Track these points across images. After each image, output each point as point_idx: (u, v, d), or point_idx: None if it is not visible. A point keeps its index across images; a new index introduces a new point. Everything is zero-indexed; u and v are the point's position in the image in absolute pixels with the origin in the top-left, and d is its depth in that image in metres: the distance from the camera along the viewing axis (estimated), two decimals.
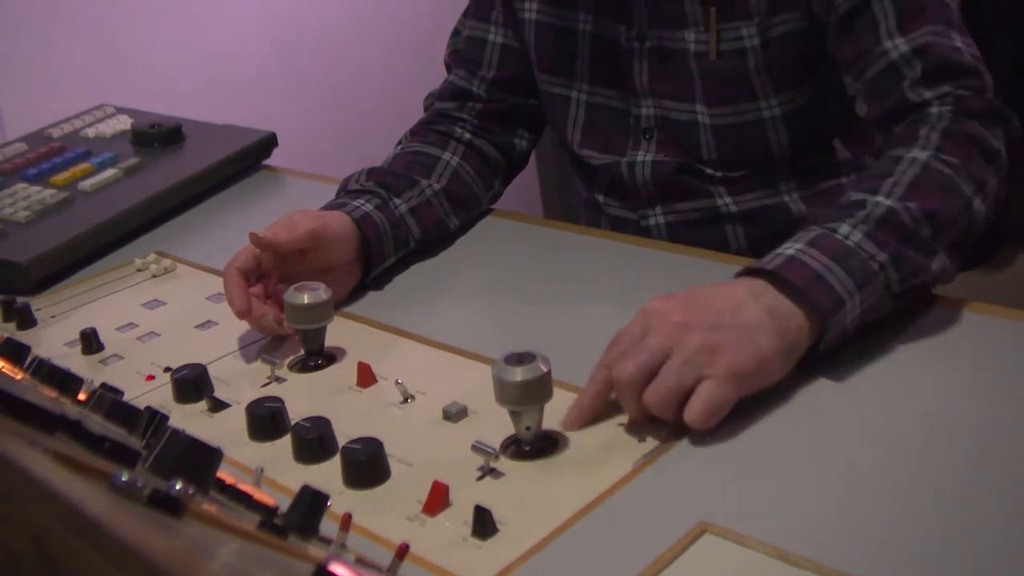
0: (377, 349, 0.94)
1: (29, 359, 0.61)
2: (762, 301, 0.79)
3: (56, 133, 1.49)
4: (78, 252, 1.20)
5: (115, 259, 1.21)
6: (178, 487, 0.42)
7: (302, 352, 0.93)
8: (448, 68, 1.27)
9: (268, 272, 1.00)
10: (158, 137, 1.44)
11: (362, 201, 1.07)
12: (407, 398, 0.85)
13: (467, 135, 1.20)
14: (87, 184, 1.31)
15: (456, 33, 1.27)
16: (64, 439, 0.41)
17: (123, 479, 0.36)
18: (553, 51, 1.17)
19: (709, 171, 1.13)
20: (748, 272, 0.83)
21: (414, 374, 0.88)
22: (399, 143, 1.22)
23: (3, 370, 0.53)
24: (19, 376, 0.54)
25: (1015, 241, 1.42)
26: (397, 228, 1.07)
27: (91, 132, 1.48)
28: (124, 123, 1.51)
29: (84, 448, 0.41)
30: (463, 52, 1.24)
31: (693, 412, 0.74)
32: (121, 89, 1.78)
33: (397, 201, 1.09)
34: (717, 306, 0.79)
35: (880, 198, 0.86)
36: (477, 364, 0.89)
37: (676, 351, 0.76)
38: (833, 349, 0.81)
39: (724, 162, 1.12)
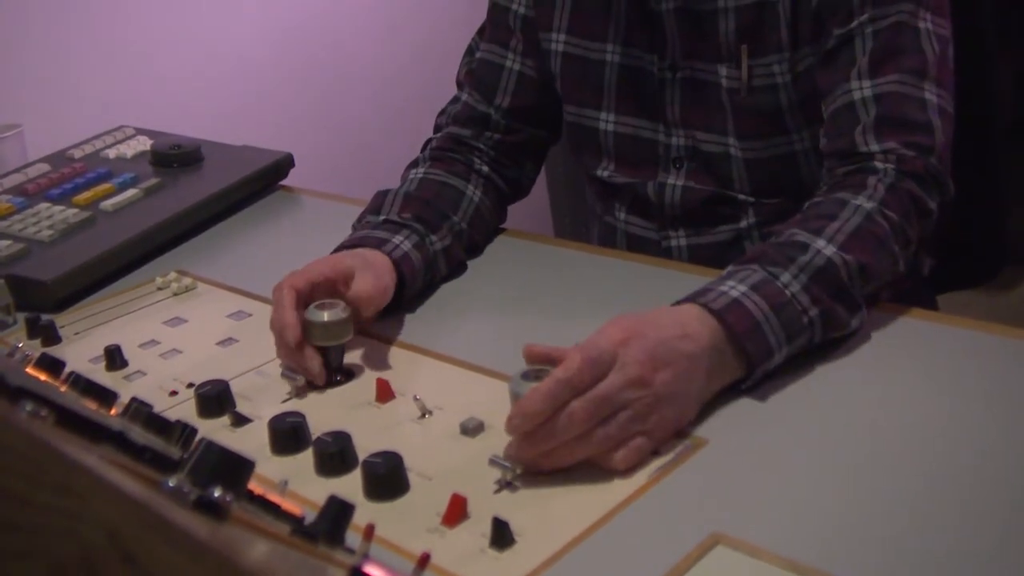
0: (395, 366, 0.96)
1: (66, 373, 0.63)
2: (714, 351, 0.83)
3: (78, 154, 1.52)
4: (101, 271, 1.23)
5: (136, 277, 1.24)
6: (217, 493, 0.45)
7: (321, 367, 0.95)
8: (460, 86, 1.28)
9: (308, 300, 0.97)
10: (177, 158, 1.47)
11: (401, 238, 1.07)
12: (425, 413, 0.87)
13: (485, 168, 1.22)
14: (109, 204, 1.34)
15: (470, 52, 1.28)
16: (109, 448, 0.43)
17: (171, 485, 0.38)
18: (580, 82, 1.19)
19: (741, 197, 1.15)
20: (696, 301, 0.85)
21: (431, 390, 0.90)
22: (417, 164, 1.23)
23: (48, 383, 0.56)
24: (62, 388, 0.56)
25: (1018, 261, 1.43)
26: (429, 268, 1.09)
27: (112, 153, 1.51)
28: (144, 144, 1.53)
29: (128, 457, 0.43)
30: (478, 75, 1.25)
31: (619, 463, 0.77)
32: (140, 110, 1.81)
33: (433, 239, 1.10)
34: (681, 362, 0.80)
35: (821, 243, 0.90)
36: (492, 380, 0.91)
37: (632, 406, 0.77)
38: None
39: (756, 192, 1.14)
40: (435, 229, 1.11)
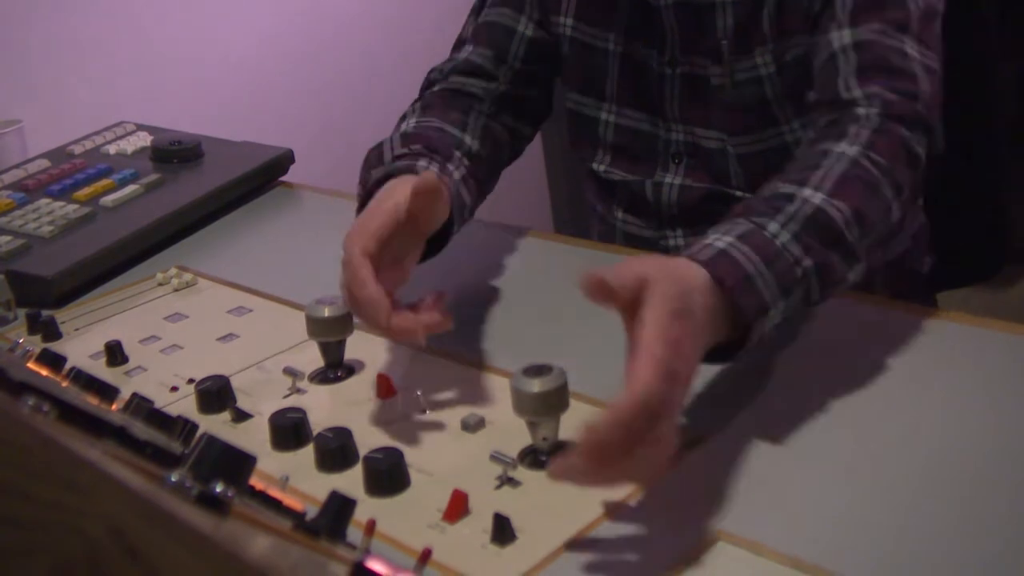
0: (395, 361, 0.96)
1: (67, 368, 0.63)
2: (709, 312, 0.75)
3: (78, 150, 1.52)
4: (101, 266, 1.23)
5: (137, 273, 1.24)
6: (219, 489, 0.45)
7: (323, 364, 0.95)
8: (462, 44, 1.21)
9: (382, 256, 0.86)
10: (178, 154, 1.46)
11: (425, 163, 0.97)
12: (426, 409, 0.87)
13: (483, 118, 1.15)
14: (109, 200, 1.34)
15: (476, 12, 1.23)
16: (111, 444, 0.43)
17: (173, 480, 0.38)
18: (583, 70, 1.18)
19: (739, 194, 1.12)
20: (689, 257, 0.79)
21: (432, 386, 0.90)
22: (409, 115, 1.14)
23: (50, 378, 0.56)
24: (64, 384, 0.56)
25: (1018, 259, 1.43)
26: (459, 196, 1.00)
27: (112, 149, 1.51)
28: (144, 140, 1.53)
29: (130, 452, 0.43)
30: (488, 32, 1.19)
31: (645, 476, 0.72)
32: (140, 105, 1.81)
33: (450, 167, 1.01)
34: (694, 358, 0.73)
35: (808, 192, 0.85)
36: (493, 376, 0.91)
37: (661, 428, 0.69)
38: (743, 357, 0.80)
39: (753, 187, 1.12)
40: (448, 159, 1.02)
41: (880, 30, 0.98)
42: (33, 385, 0.39)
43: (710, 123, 1.13)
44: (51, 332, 1.08)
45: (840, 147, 0.90)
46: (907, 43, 0.97)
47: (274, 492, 0.58)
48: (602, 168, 1.22)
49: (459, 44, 1.22)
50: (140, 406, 0.58)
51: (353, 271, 0.84)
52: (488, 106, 1.16)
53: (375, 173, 0.99)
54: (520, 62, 1.18)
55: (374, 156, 1.05)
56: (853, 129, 0.93)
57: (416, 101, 1.18)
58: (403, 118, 1.15)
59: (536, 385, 0.75)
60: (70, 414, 0.40)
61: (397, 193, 0.89)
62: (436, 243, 0.97)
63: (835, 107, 0.97)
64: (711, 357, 0.78)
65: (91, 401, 0.55)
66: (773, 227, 0.82)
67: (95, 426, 0.42)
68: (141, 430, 0.48)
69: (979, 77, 1.26)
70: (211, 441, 0.52)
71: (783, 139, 1.11)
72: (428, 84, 1.21)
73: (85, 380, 0.60)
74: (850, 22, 0.99)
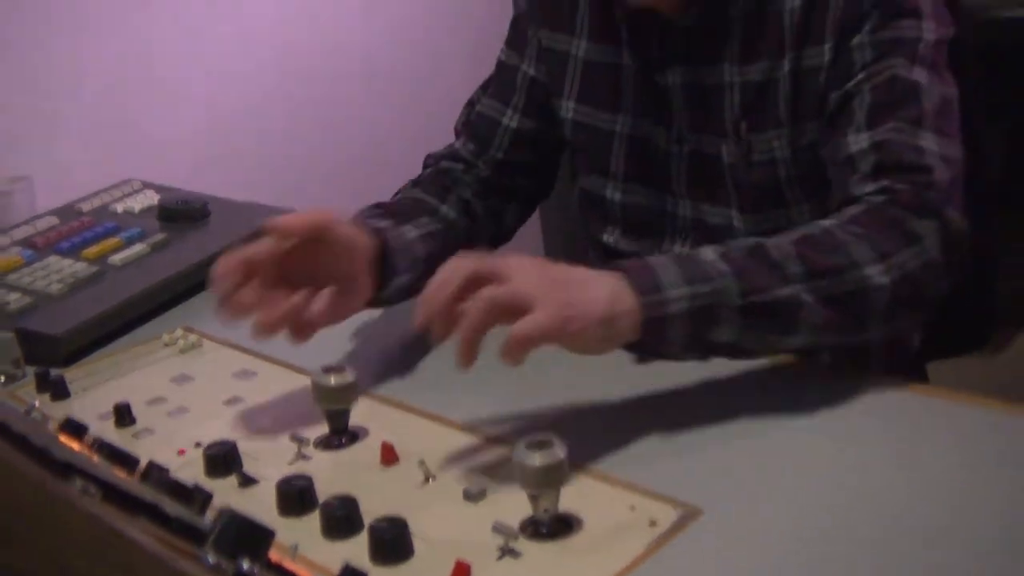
0: (399, 429, 0.98)
1: (91, 439, 0.66)
2: (608, 281, 0.88)
3: (86, 207, 1.55)
4: (109, 325, 1.25)
5: (144, 332, 1.26)
6: (246, 566, 0.47)
7: (328, 430, 0.97)
8: (456, 134, 1.32)
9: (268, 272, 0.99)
10: (184, 214, 1.49)
11: (375, 220, 1.10)
12: (429, 478, 0.89)
13: (466, 194, 1.25)
14: (117, 258, 1.36)
15: (471, 104, 1.32)
16: (146, 521, 0.46)
17: (211, 560, 0.41)
18: (589, 150, 1.24)
19: None
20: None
21: (436, 455, 0.92)
22: (401, 190, 1.26)
23: (79, 451, 0.58)
24: (94, 459, 0.59)
25: (1010, 324, 1.46)
26: (408, 248, 1.11)
27: (119, 207, 1.54)
28: (150, 198, 1.57)
29: (164, 530, 0.45)
30: (475, 126, 1.29)
31: (511, 341, 0.84)
32: (146, 162, 1.84)
33: (405, 227, 1.13)
34: (575, 275, 0.88)
35: (760, 240, 0.93)
36: (496, 448, 0.93)
37: (538, 295, 0.84)
38: (662, 334, 0.89)
39: None
40: (407, 220, 1.14)
41: (895, 128, 1.02)
42: (78, 466, 0.41)
43: (717, 199, 1.17)
44: (60, 391, 1.10)
45: (823, 220, 0.97)
46: (923, 137, 1.01)
47: (289, 564, 0.60)
48: (612, 239, 1.26)
49: (455, 134, 1.33)
50: (160, 477, 0.60)
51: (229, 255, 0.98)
52: (473, 186, 1.26)
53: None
54: (503, 152, 1.27)
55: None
56: (847, 210, 0.98)
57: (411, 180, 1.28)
58: (398, 192, 1.26)
59: (538, 459, 0.78)
60: (111, 493, 0.42)
61: (306, 217, 1.01)
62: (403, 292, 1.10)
63: (847, 203, 1.01)
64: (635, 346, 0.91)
65: (119, 474, 0.57)
66: (705, 250, 0.92)
67: (131, 504, 0.45)
68: (170, 506, 0.50)
69: (967, 144, 1.29)
70: (232, 516, 0.54)
71: (791, 220, 1.14)
72: (424, 167, 1.31)
73: (108, 451, 0.62)
74: (867, 125, 1.03)
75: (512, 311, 0.84)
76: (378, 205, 1.18)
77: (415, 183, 1.26)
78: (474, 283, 0.86)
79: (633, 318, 0.88)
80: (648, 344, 0.91)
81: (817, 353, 1.08)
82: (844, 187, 1.03)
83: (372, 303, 1.09)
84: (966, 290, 1.40)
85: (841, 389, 0.97)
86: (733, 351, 0.97)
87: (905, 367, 1.29)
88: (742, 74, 1.12)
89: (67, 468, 0.41)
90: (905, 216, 0.97)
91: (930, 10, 1.07)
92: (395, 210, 1.16)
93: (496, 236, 1.29)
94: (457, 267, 0.87)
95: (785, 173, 1.13)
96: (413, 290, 1.06)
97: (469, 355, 0.85)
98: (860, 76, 1.05)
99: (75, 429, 0.66)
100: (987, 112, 1.40)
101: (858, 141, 1.03)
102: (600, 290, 0.87)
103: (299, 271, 1.01)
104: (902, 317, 0.98)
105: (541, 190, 1.31)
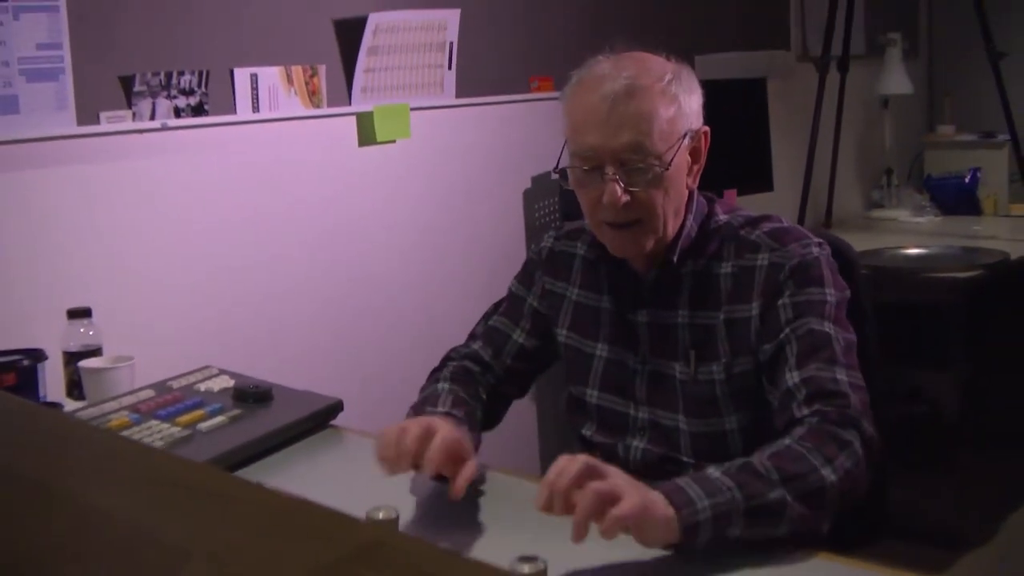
0: None
1: None
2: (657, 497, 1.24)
3: (175, 384, 1.94)
4: None
5: None
6: None
7: None
8: (474, 338, 1.74)
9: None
10: (254, 396, 1.88)
11: (465, 428, 1.49)
12: None
13: (484, 396, 1.67)
14: (204, 426, 1.75)
15: (487, 317, 1.75)
16: None
17: None
18: (575, 365, 1.66)
19: (686, 459, 1.56)
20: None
21: None
22: (439, 380, 1.66)
23: None
24: None
25: (898, 535, 1.83)
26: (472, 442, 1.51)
27: (202, 387, 1.93)
28: (226, 382, 1.96)
29: None
30: (491, 335, 1.72)
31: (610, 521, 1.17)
32: (219, 350, 2.26)
33: (472, 435, 1.52)
34: (643, 488, 1.23)
35: (746, 459, 1.31)
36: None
37: (627, 492, 1.20)
38: (695, 536, 1.21)
39: (696, 456, 1.56)
40: (472, 429, 1.54)
41: (817, 367, 1.44)
42: None
43: (668, 407, 1.57)
44: None
45: (783, 440, 1.37)
46: (838, 372, 1.43)
47: None
48: (589, 433, 1.65)
49: (472, 337, 1.76)
50: None
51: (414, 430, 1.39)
52: (485, 389, 1.69)
53: (429, 412, 1.53)
54: (511, 360, 1.71)
55: (429, 400, 1.58)
56: (795, 431, 1.39)
57: (441, 369, 1.70)
58: (436, 380, 1.66)
59: (526, 568, 1.13)
60: None
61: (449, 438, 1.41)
62: None
63: (791, 424, 1.42)
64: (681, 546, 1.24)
65: None
66: (711, 469, 1.28)
67: None
68: None
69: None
70: None
71: (723, 427, 1.55)
72: (447, 359, 1.73)
73: None
74: (796, 366, 1.45)
75: (609, 501, 1.18)
76: (456, 404, 1.57)
77: (453, 379, 1.66)
78: (584, 476, 1.21)
79: (675, 523, 1.21)
80: (682, 544, 1.23)
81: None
82: (788, 412, 1.43)
83: None
84: (863, 499, 1.78)
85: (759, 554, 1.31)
86: (737, 543, 1.29)
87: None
88: (691, 318, 1.54)
89: None
90: (835, 430, 1.37)
91: (830, 278, 1.51)
92: (466, 415, 1.55)
93: (489, 428, 1.70)
94: (570, 463, 1.22)
95: (721, 391, 1.53)
96: None
97: (582, 532, 1.18)
98: (787, 330, 1.48)
99: None
100: (881, 352, 1.80)
101: (792, 378, 1.45)
102: (659, 497, 1.23)
103: None
104: (843, 505, 1.35)
105: (521, 394, 1.74)
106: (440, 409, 1.54)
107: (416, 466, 1.39)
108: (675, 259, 1.56)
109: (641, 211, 1.50)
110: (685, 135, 1.51)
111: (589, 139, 1.49)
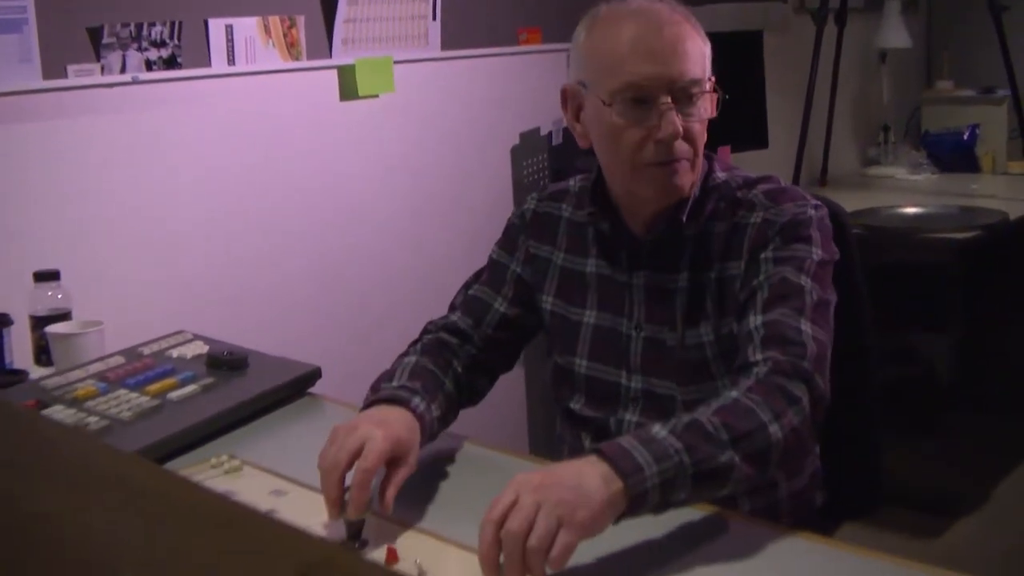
0: (400, 538, 1.27)
1: None
2: (596, 469, 1.13)
3: (146, 351, 1.86)
4: (167, 448, 1.55)
5: (195, 456, 1.56)
6: None
7: (345, 536, 1.26)
8: (453, 309, 1.63)
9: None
10: (228, 363, 1.81)
11: (418, 400, 1.39)
12: (422, 574, 1.18)
13: (460, 369, 1.56)
14: (174, 395, 1.67)
15: (466, 287, 1.65)
16: None
17: None
18: (562, 334, 1.57)
19: None
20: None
21: (427, 556, 1.21)
22: (408, 354, 1.55)
23: None
24: None
25: (896, 502, 1.78)
26: (432, 424, 1.42)
27: (175, 353, 1.86)
28: (199, 348, 1.88)
29: None
30: (471, 305, 1.61)
31: (555, 561, 1.07)
32: (195, 315, 2.18)
33: (433, 407, 1.43)
34: (567, 474, 1.12)
35: (695, 414, 1.23)
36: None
37: (544, 504, 1.08)
38: (643, 505, 1.14)
39: None
40: (433, 400, 1.44)
41: (783, 313, 1.37)
42: None
43: (662, 375, 1.49)
44: None
45: (728, 392, 1.29)
46: (802, 323, 1.36)
47: None
48: (577, 407, 1.57)
49: (452, 308, 1.65)
50: None
51: (359, 480, 1.25)
52: (464, 361, 1.57)
53: (384, 389, 1.42)
54: (492, 329, 1.60)
55: (387, 375, 1.47)
56: (743, 382, 1.31)
57: (415, 343, 1.60)
58: (406, 354, 1.57)
59: None
60: None
61: (392, 451, 1.30)
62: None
63: (744, 367, 1.35)
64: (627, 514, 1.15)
65: None
66: (656, 428, 1.20)
67: None
68: None
69: (856, 348, 1.62)
70: None
71: (718, 392, 1.46)
72: (425, 331, 1.63)
73: None
74: (762, 310, 1.38)
75: (540, 549, 1.07)
76: (415, 375, 1.46)
77: (423, 351, 1.56)
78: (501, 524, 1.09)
79: (622, 495, 1.13)
80: (629, 512, 1.17)
81: (739, 504, 1.40)
82: (744, 354, 1.37)
83: None
84: (857, 466, 1.72)
85: (756, 538, 1.26)
86: (681, 504, 1.24)
87: (811, 523, 1.59)
88: (690, 281, 1.46)
89: None
90: (785, 383, 1.29)
91: (819, 240, 1.44)
92: (423, 387, 1.43)
93: (471, 402, 1.60)
94: (484, 536, 1.10)
95: (711, 353, 1.46)
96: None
97: None
98: (760, 277, 1.40)
99: None
100: (875, 318, 1.74)
101: (755, 320, 1.38)
102: (593, 480, 1.13)
103: None
104: (786, 462, 1.29)
105: (507, 366, 1.64)
106: (393, 384, 1.44)
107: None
108: (684, 218, 1.47)
109: (689, 148, 1.44)
110: (710, 77, 1.46)
111: (643, 68, 1.40)
